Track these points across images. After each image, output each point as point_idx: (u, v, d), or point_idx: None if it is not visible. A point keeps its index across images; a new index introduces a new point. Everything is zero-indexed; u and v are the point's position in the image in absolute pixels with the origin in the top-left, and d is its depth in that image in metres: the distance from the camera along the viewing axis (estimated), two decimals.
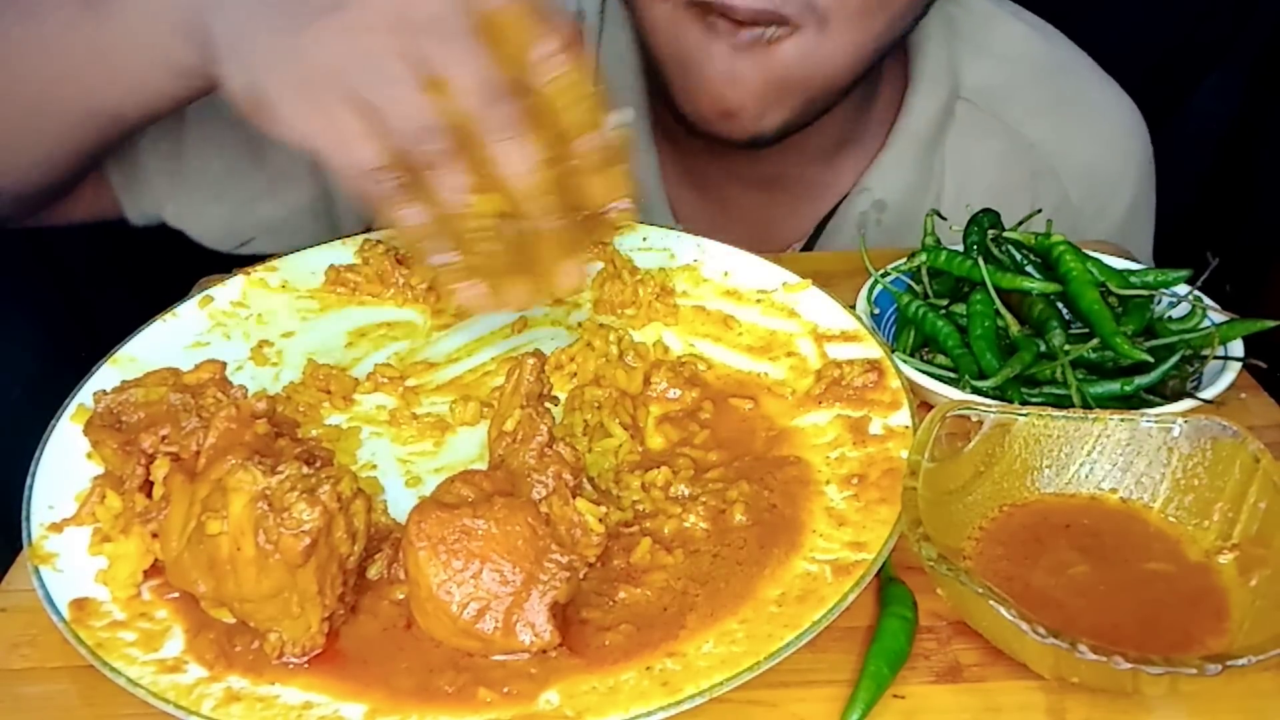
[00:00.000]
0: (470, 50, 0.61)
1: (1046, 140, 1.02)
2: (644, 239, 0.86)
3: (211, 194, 0.99)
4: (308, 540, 0.52)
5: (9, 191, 0.87)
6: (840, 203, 1.01)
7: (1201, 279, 0.77)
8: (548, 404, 0.63)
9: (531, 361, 0.63)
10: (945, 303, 0.79)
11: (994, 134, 1.02)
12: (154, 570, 0.58)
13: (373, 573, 0.58)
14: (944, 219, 0.84)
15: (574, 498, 0.57)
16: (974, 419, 0.63)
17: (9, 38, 0.78)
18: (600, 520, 0.57)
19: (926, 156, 1.00)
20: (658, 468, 0.65)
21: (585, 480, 0.60)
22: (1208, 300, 0.78)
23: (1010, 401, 0.70)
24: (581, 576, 0.56)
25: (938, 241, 0.82)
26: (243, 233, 1.02)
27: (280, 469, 0.53)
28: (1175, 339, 0.74)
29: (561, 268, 0.65)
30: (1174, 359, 0.72)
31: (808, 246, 1.03)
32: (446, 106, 0.60)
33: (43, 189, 0.88)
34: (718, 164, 1.00)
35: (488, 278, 0.64)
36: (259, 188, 1.00)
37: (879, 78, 0.98)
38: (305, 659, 0.54)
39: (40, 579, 0.57)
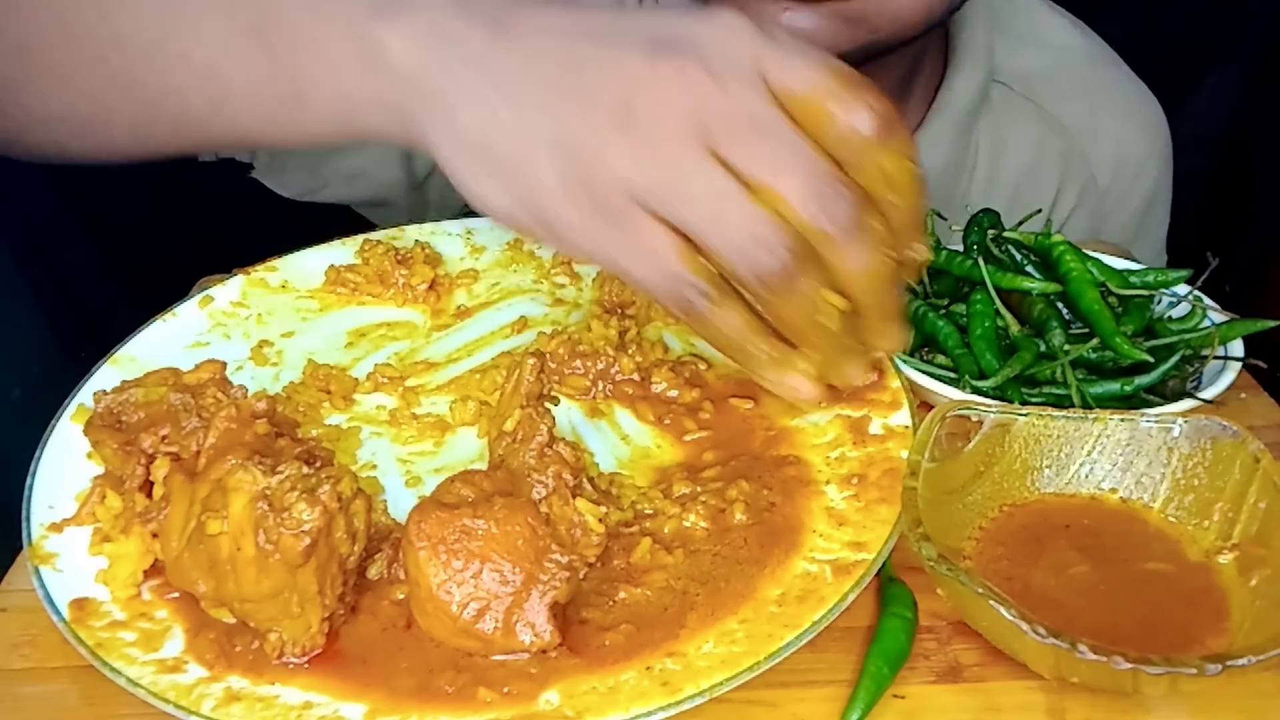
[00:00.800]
0: (793, 146, 0.54)
1: (1079, 125, 1.06)
2: None
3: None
4: (308, 540, 0.52)
5: (78, 156, 0.77)
6: None
7: (1201, 279, 0.77)
8: (548, 404, 0.63)
9: (531, 361, 0.63)
10: (945, 303, 0.79)
11: (1028, 117, 1.05)
12: (154, 570, 0.58)
13: (373, 573, 0.58)
14: (944, 218, 0.84)
15: (574, 498, 0.58)
16: (974, 419, 0.63)
17: (138, 39, 0.67)
18: (600, 520, 0.58)
19: (963, 136, 1.02)
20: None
21: (585, 480, 0.60)
22: (1208, 300, 0.78)
23: (1010, 401, 0.70)
24: (581, 576, 0.56)
25: (938, 241, 0.82)
26: (319, 181, 1.01)
27: (280, 469, 0.53)
28: (1175, 339, 0.74)
29: (886, 332, 0.60)
30: (1174, 359, 0.72)
31: None
32: (777, 213, 0.54)
33: (116, 159, 0.77)
34: None
35: (818, 364, 0.60)
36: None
37: (921, 56, 1.00)
38: (305, 659, 0.54)
39: (40, 579, 0.57)
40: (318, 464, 0.59)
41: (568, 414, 0.71)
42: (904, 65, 0.96)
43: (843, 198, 0.54)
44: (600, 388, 0.73)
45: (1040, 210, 0.83)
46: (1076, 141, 1.06)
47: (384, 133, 0.62)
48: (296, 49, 0.62)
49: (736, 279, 0.56)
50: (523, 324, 0.80)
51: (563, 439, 0.60)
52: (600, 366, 0.73)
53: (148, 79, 0.67)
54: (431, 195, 1.05)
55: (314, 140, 0.66)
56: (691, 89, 0.54)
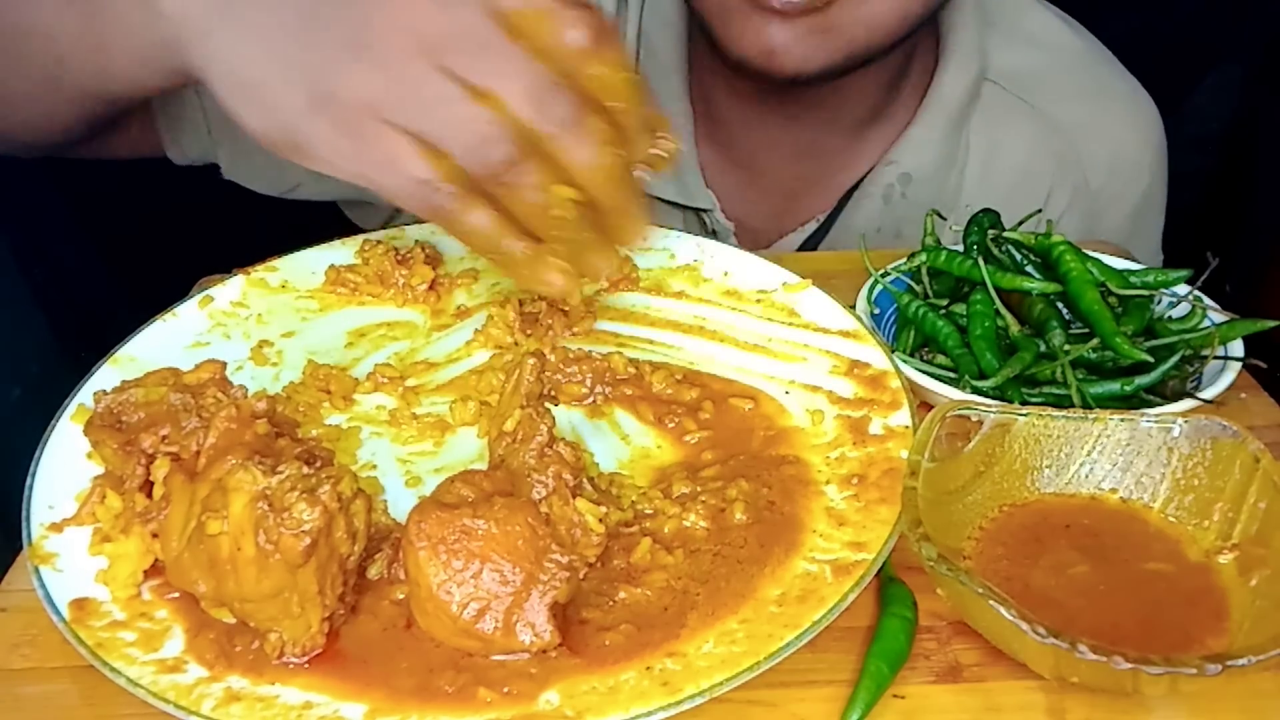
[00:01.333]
0: (509, 55, 0.60)
1: (1072, 125, 1.05)
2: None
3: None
4: (308, 540, 0.52)
5: (36, 145, 0.90)
6: (866, 175, 1.03)
7: (1201, 279, 0.77)
8: (548, 404, 0.63)
9: (531, 361, 0.63)
10: (945, 303, 0.79)
11: (1020, 115, 1.05)
12: (154, 570, 0.58)
13: (373, 573, 0.58)
14: (944, 218, 0.84)
15: (574, 498, 0.58)
16: (974, 419, 0.63)
17: (16, 18, 0.79)
18: (600, 520, 0.58)
19: (953, 134, 1.03)
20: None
21: (585, 480, 0.60)
22: (1208, 300, 0.78)
23: (1010, 401, 0.70)
24: (581, 576, 0.56)
25: (938, 241, 0.82)
26: (290, 179, 1.04)
27: (280, 469, 0.53)
28: (1175, 339, 0.74)
29: (625, 225, 0.65)
30: (1174, 359, 0.72)
31: (832, 217, 1.04)
32: (501, 113, 0.60)
33: (69, 141, 0.90)
34: (750, 132, 1.02)
35: (566, 258, 0.65)
36: None
37: (912, 54, 1.00)
38: (305, 659, 0.54)
39: (40, 579, 0.57)
40: (318, 464, 0.59)
41: (568, 414, 0.71)
42: (893, 63, 0.97)
43: (558, 99, 0.60)
44: (599, 391, 0.73)
45: (1040, 210, 0.83)
46: (1069, 141, 1.05)
47: (175, 69, 0.70)
48: (98, 6, 0.73)
49: (472, 177, 0.61)
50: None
51: (563, 439, 0.60)
52: (594, 369, 0.73)
53: (18, 52, 0.81)
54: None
55: (133, 82, 0.76)
56: (419, 11, 0.60)
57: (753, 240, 1.04)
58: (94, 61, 0.76)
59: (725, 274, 0.82)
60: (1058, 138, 1.05)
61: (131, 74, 0.75)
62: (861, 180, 1.03)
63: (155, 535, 0.58)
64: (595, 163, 0.62)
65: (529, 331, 0.77)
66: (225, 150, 1.01)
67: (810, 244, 1.04)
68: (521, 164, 0.61)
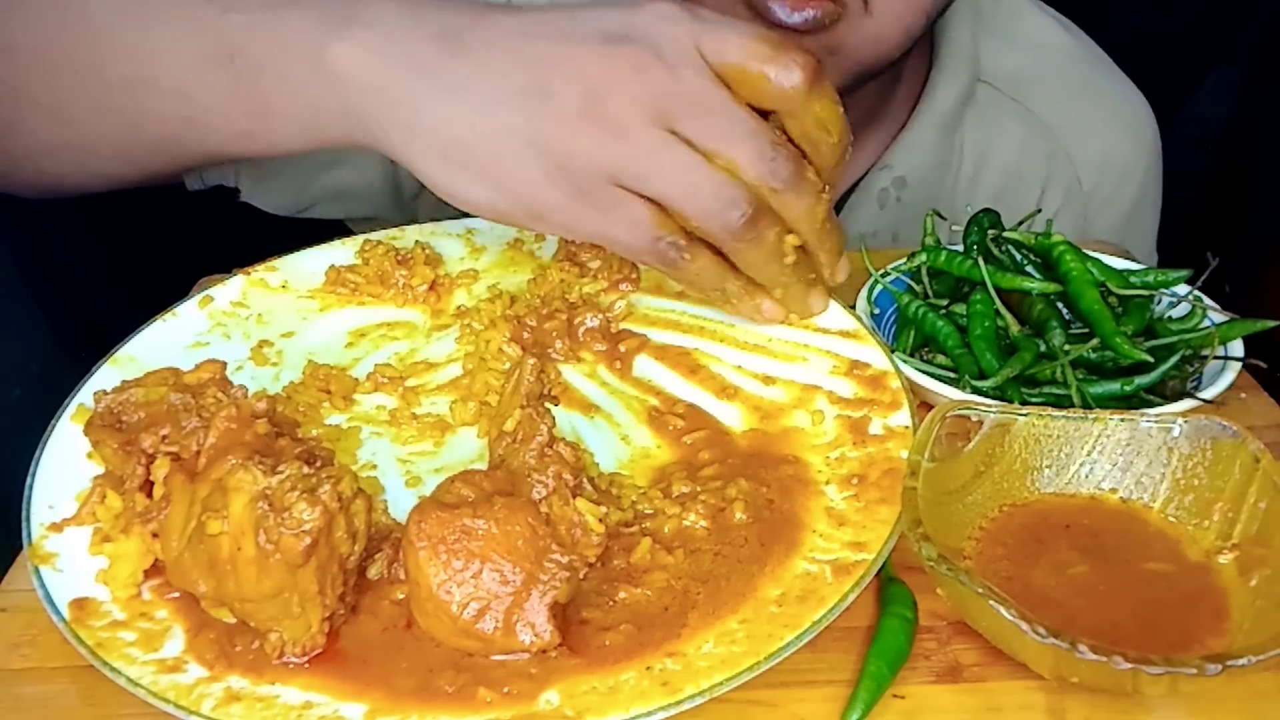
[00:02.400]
0: (737, 118, 0.63)
1: (1064, 125, 1.06)
2: None
3: (278, 163, 0.99)
4: (308, 540, 0.52)
5: (79, 191, 0.86)
6: (862, 179, 1.03)
7: (1201, 279, 0.77)
8: (547, 404, 0.63)
9: (532, 361, 0.63)
10: (945, 303, 0.79)
11: (1013, 117, 1.05)
12: (154, 570, 0.58)
13: (373, 573, 0.58)
14: (944, 219, 0.84)
15: (574, 498, 0.57)
16: (974, 419, 0.63)
17: (136, 72, 0.74)
18: (600, 520, 0.58)
19: (947, 137, 1.03)
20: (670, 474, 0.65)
21: (585, 480, 0.60)
22: (1208, 300, 0.78)
23: (1010, 401, 0.70)
24: (581, 576, 0.56)
25: (938, 241, 0.82)
26: (306, 199, 1.03)
27: (281, 469, 0.53)
28: (1175, 339, 0.74)
29: (834, 264, 0.72)
30: (1174, 359, 0.72)
31: None
32: (733, 176, 0.64)
33: (108, 187, 0.86)
34: None
35: (782, 298, 0.72)
36: (325, 157, 1.00)
37: (905, 59, 0.99)
38: (305, 659, 0.54)
39: (40, 579, 0.57)
40: (318, 464, 0.59)
41: (568, 414, 0.71)
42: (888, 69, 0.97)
43: (784, 158, 0.64)
44: (571, 340, 0.75)
45: (1039, 210, 0.83)
46: (1061, 143, 1.05)
47: (348, 140, 0.69)
48: (258, 69, 0.69)
49: (708, 234, 0.66)
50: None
51: (563, 439, 0.60)
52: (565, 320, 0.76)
53: (126, 105, 0.75)
54: (420, 214, 1.05)
55: (285, 150, 0.73)
56: (647, 77, 0.63)
57: None
58: (239, 126, 0.72)
59: None
60: (1049, 139, 1.05)
61: (286, 139, 0.72)
62: (857, 184, 1.03)
63: (155, 535, 0.58)
64: (813, 211, 0.66)
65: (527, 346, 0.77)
66: (246, 177, 1.00)
67: None
68: (757, 223, 0.65)
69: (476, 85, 0.64)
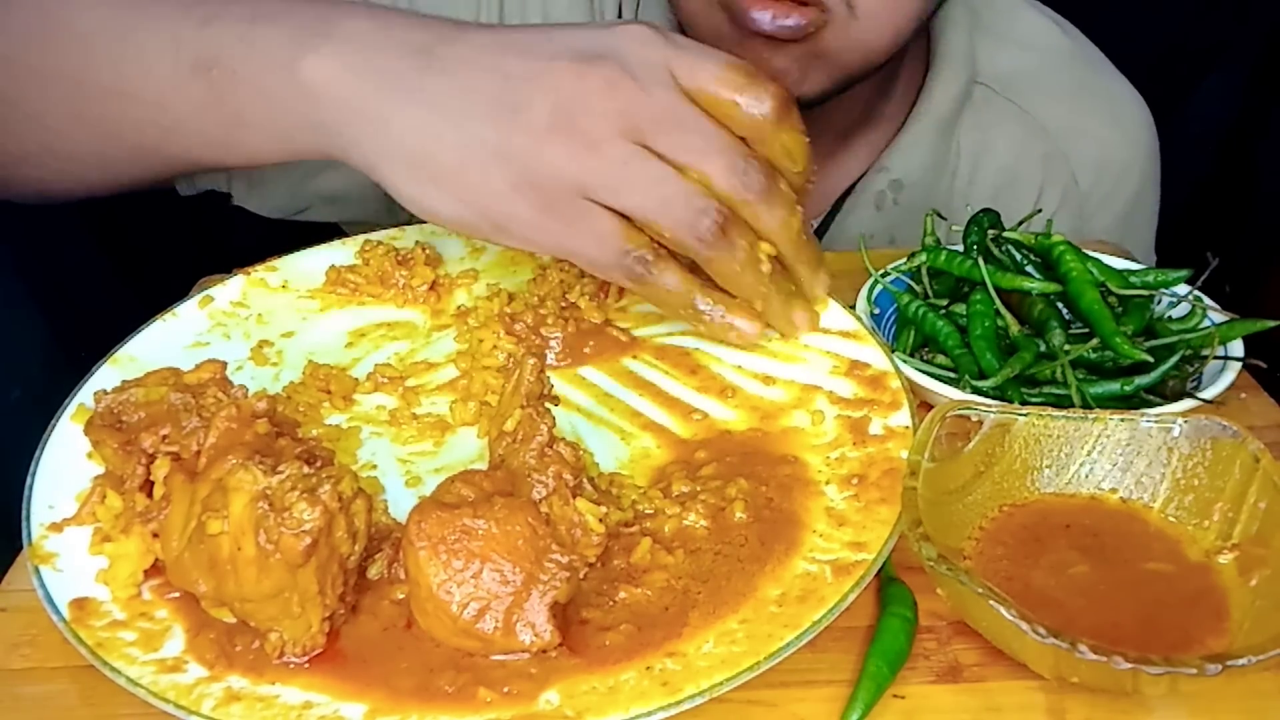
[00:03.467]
0: (708, 133, 0.64)
1: (1060, 126, 1.05)
2: None
3: (270, 169, 1.00)
4: (308, 540, 0.52)
5: (66, 198, 0.87)
6: (858, 181, 1.03)
7: (1201, 279, 0.77)
8: (548, 404, 0.63)
9: (532, 361, 0.63)
10: (945, 303, 0.79)
11: (1009, 118, 1.05)
12: (154, 570, 0.58)
13: (373, 572, 0.58)
14: (944, 219, 0.84)
15: (574, 498, 0.57)
16: (974, 419, 0.63)
17: (114, 83, 0.75)
18: (600, 520, 0.57)
19: (944, 139, 1.02)
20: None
21: (585, 480, 0.60)
22: (1208, 300, 0.78)
23: (1010, 401, 0.70)
24: (581, 576, 0.56)
25: (938, 241, 0.82)
26: (300, 203, 1.04)
27: (281, 469, 0.53)
28: (1175, 339, 0.74)
29: (813, 277, 0.72)
30: (1174, 359, 0.72)
31: (825, 223, 1.05)
32: (705, 187, 0.65)
33: (91, 194, 0.88)
34: None
35: (761, 314, 0.71)
36: (318, 162, 1.00)
37: (901, 58, 1.00)
38: (305, 659, 0.54)
39: (40, 579, 0.57)
40: (318, 464, 0.59)
41: (568, 414, 0.71)
42: (884, 70, 0.96)
43: (755, 170, 0.65)
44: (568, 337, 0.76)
45: (1039, 210, 0.83)
46: (1058, 143, 1.05)
47: (320, 152, 0.70)
48: (233, 81, 0.70)
49: (680, 245, 0.66)
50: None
51: (563, 439, 0.60)
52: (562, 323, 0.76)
53: (105, 114, 0.76)
54: (413, 218, 1.05)
55: (261, 160, 0.74)
56: (619, 94, 0.63)
57: None
58: (215, 136, 0.73)
59: None
60: (1045, 139, 1.05)
61: (261, 151, 0.73)
62: (853, 186, 1.03)
63: (156, 535, 0.58)
64: (787, 223, 0.67)
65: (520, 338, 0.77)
66: (238, 181, 1.01)
67: None
68: (730, 231, 0.65)
69: (447, 99, 0.65)
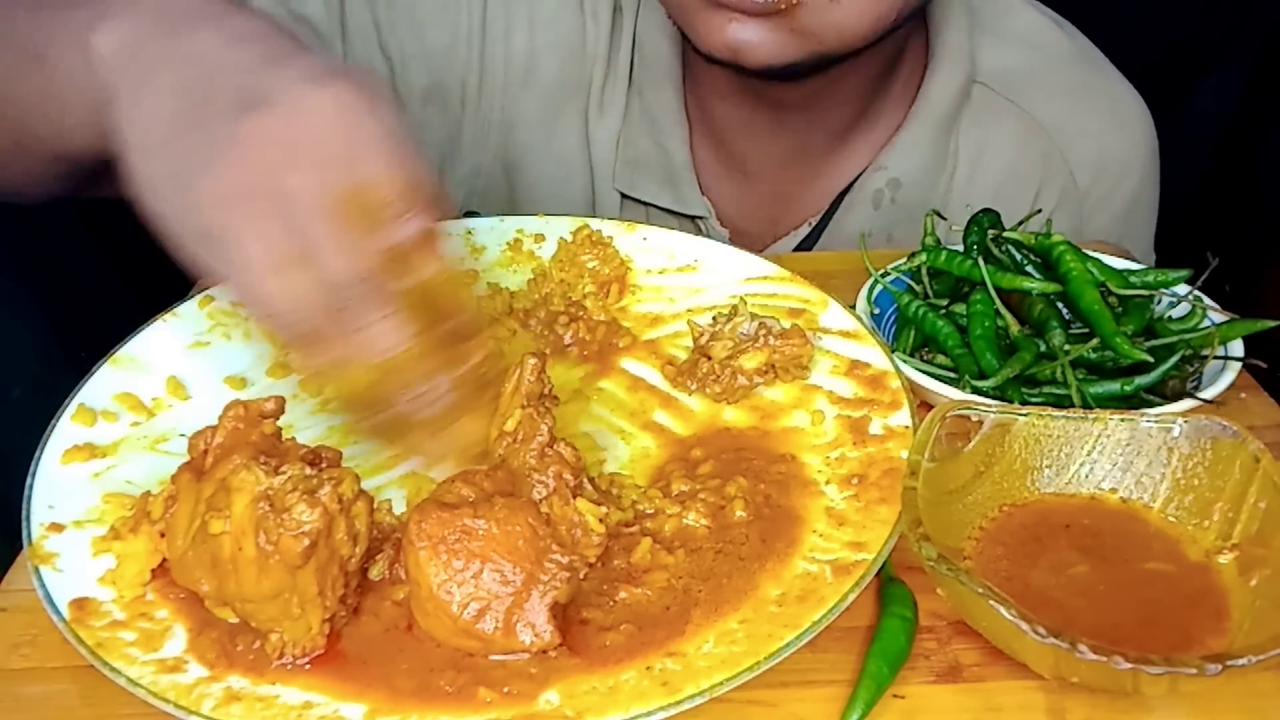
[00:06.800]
0: (329, 246, 0.57)
1: (1059, 124, 1.05)
2: (644, 239, 0.86)
3: None
4: (307, 541, 0.52)
5: (25, 199, 0.86)
6: (856, 179, 1.03)
7: (1201, 279, 0.77)
8: (548, 404, 0.63)
9: (532, 361, 0.63)
10: (945, 303, 0.79)
11: (1008, 117, 1.04)
12: (159, 570, 0.58)
13: (375, 573, 0.58)
14: (944, 219, 0.84)
15: (574, 498, 0.57)
16: (974, 419, 0.63)
17: None
18: (600, 520, 0.58)
19: (942, 138, 1.02)
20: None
21: (585, 480, 0.60)
22: (1208, 300, 0.78)
23: (1010, 401, 0.70)
24: (582, 576, 0.56)
25: (938, 241, 0.82)
26: None
27: (283, 470, 0.53)
28: (1175, 339, 0.74)
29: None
30: (1174, 359, 0.72)
31: (823, 222, 1.05)
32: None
33: (54, 191, 0.86)
34: (741, 133, 1.02)
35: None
36: None
37: (900, 56, 0.99)
38: (306, 660, 0.54)
39: (40, 579, 0.57)
40: (323, 465, 0.59)
41: (590, 423, 0.71)
42: (879, 64, 0.96)
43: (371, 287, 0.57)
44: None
45: (1039, 210, 0.83)
46: (1056, 142, 1.05)
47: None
48: (54, 66, 0.68)
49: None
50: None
51: (563, 439, 0.60)
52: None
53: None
54: None
55: (93, 148, 0.69)
56: (261, 160, 0.57)
57: (747, 246, 1.03)
58: (48, 122, 0.71)
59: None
60: (1044, 138, 1.05)
61: (86, 135, 0.68)
62: (851, 185, 1.03)
63: (163, 534, 0.58)
64: (395, 344, 0.58)
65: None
66: None
67: (803, 249, 1.04)
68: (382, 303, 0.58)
69: (163, 92, 0.61)
